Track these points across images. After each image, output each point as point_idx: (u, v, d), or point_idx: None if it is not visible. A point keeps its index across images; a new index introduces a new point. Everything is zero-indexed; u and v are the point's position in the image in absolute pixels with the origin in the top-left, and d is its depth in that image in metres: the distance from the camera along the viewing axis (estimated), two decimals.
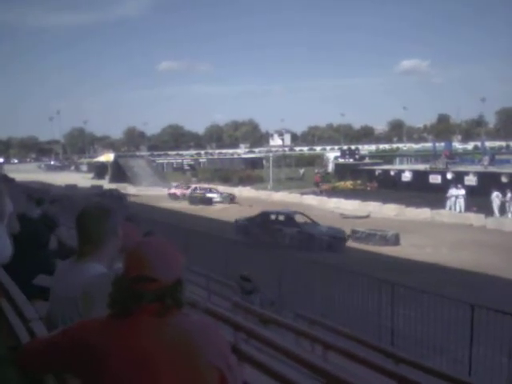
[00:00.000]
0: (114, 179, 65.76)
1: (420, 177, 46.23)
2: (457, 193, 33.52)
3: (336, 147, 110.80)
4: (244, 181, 58.50)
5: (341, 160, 68.49)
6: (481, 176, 40.21)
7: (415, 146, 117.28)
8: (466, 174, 41.41)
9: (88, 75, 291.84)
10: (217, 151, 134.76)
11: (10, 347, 1.92)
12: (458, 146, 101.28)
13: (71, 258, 2.56)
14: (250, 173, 66.96)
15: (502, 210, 30.70)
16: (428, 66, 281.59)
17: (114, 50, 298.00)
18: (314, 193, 46.41)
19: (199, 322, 1.72)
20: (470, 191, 34.82)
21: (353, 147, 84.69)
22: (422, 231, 27.27)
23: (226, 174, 64.38)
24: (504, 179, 37.25)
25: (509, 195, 30.44)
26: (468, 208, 32.40)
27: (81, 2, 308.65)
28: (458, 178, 39.58)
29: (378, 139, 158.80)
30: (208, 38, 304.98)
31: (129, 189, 57.64)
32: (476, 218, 30.28)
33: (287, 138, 70.65)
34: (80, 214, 2.51)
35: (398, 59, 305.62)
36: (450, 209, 33.35)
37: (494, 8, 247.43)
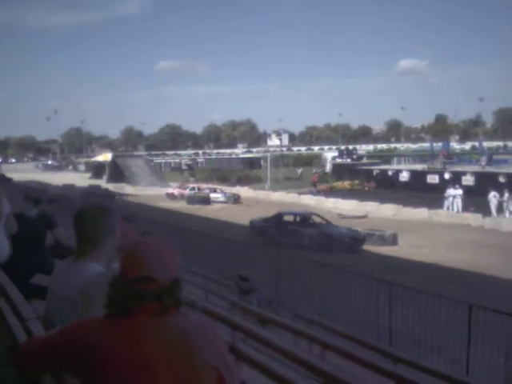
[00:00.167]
0: (111, 179, 65.72)
1: (418, 177, 46.27)
2: (454, 193, 33.56)
3: (334, 147, 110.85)
4: (242, 181, 58.51)
5: (338, 160, 68.50)
6: (478, 176, 40.25)
7: (413, 146, 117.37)
8: (464, 173, 41.44)
9: (86, 75, 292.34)
10: (215, 151, 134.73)
11: (8, 347, 1.91)
12: (455, 146, 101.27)
13: (69, 257, 2.56)
14: (247, 173, 67.03)
15: (500, 209, 30.74)
16: (426, 66, 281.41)
17: (111, 50, 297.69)
18: (312, 193, 46.46)
19: (197, 322, 1.73)
20: (468, 191, 34.85)
21: (350, 147, 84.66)
22: (419, 231, 27.31)
23: (224, 173, 64.36)
24: (501, 179, 37.30)
25: (506, 195, 30.48)
26: (465, 208, 32.45)
27: (79, 1, 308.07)
28: (456, 178, 39.62)
29: (375, 139, 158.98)
30: (206, 38, 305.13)
31: (126, 188, 57.66)
32: (473, 218, 30.33)
33: (285, 138, 70.84)
34: (78, 214, 2.51)
35: (396, 59, 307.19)
36: (448, 209, 33.39)
37: (492, 8, 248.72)
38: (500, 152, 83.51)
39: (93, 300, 2.13)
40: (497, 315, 8.52)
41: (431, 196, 35.98)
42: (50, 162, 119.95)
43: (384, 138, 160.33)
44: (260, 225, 25.96)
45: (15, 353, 1.86)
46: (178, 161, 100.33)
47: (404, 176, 47.73)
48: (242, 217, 32.64)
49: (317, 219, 25.88)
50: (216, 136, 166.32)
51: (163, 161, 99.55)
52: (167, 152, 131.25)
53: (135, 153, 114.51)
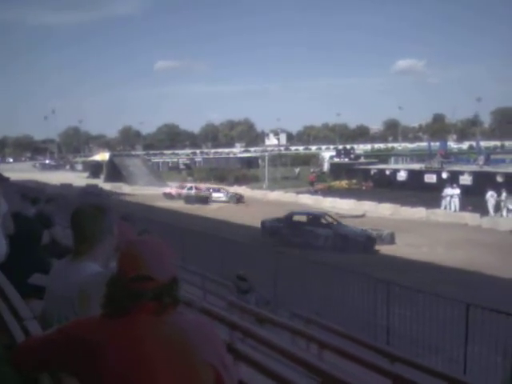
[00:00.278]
0: (109, 178, 65.60)
1: (415, 176, 46.34)
2: (452, 192, 33.62)
3: (331, 147, 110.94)
4: (239, 180, 58.50)
5: (336, 159, 68.60)
6: (476, 175, 40.31)
7: (410, 146, 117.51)
8: (461, 173, 41.51)
9: (84, 74, 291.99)
10: (212, 150, 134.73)
11: (5, 346, 1.91)
12: (453, 145, 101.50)
13: (67, 257, 2.56)
14: (245, 172, 67.02)
15: (497, 209, 30.80)
16: (424, 65, 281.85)
17: (110, 50, 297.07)
18: (310, 192, 46.46)
19: (195, 321, 1.73)
20: (465, 191, 34.91)
21: (348, 147, 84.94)
22: (417, 230, 27.33)
23: (222, 173, 64.35)
24: (499, 179, 37.36)
25: (504, 195, 30.53)
26: (463, 207, 32.51)
27: (77, 1, 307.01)
28: (453, 178, 39.67)
29: (373, 139, 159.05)
30: (204, 37, 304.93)
31: (124, 188, 57.57)
32: (471, 218, 30.37)
33: (283, 138, 71.19)
34: (75, 213, 2.51)
35: (394, 59, 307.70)
36: (445, 208, 33.44)
37: (491, 8, 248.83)
38: (497, 152, 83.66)
39: (90, 299, 2.13)
40: (494, 314, 8.53)
41: (429, 195, 36.02)
42: (47, 162, 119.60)
43: (382, 137, 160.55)
44: (272, 225, 25.73)
45: (13, 352, 1.86)
46: (175, 160, 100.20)
47: (401, 175, 47.81)
48: (240, 216, 32.73)
49: (329, 219, 25.75)
50: (214, 135, 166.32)
51: (161, 160, 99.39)
52: (165, 151, 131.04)
53: (133, 152, 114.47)
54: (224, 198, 44.35)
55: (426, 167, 47.62)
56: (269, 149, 76.22)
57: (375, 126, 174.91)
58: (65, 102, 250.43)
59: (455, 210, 32.81)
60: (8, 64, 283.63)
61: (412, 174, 47.26)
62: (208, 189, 47.64)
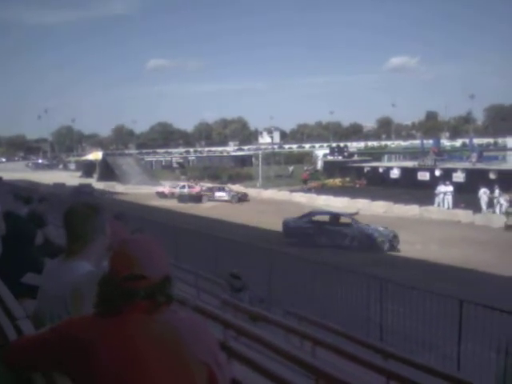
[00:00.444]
0: (102, 177, 65.56)
1: (408, 174, 46.50)
2: (445, 189, 33.73)
3: (325, 145, 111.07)
4: (233, 179, 58.57)
5: (330, 157, 68.68)
6: (469, 173, 40.47)
7: (403, 143, 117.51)
8: (454, 170, 41.67)
9: (76, 73, 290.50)
10: (206, 149, 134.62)
11: None
12: (446, 143, 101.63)
13: (60, 256, 2.55)
14: (239, 170, 67.13)
15: (490, 206, 30.92)
16: (417, 63, 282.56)
17: (103, 49, 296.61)
18: (303, 190, 46.54)
19: (188, 320, 1.73)
20: (458, 188, 35.04)
21: (341, 145, 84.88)
22: (410, 228, 27.38)
23: (216, 171, 64.43)
24: (492, 176, 37.53)
25: (496, 192, 30.65)
26: (456, 204, 32.63)
27: (69, 1, 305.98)
28: (446, 175, 39.84)
29: (366, 136, 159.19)
30: (196, 36, 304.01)
31: (117, 187, 57.47)
32: (464, 215, 30.49)
33: (276, 136, 71.19)
34: (67, 213, 2.50)
35: (387, 56, 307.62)
36: (439, 205, 33.56)
37: (484, 4, 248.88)
38: (490, 149, 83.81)
39: (83, 298, 2.12)
40: (488, 311, 8.56)
41: (422, 193, 36.15)
42: (40, 161, 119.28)
43: (375, 135, 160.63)
44: (294, 225, 25.23)
45: (5, 351, 1.86)
46: (169, 159, 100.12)
47: (395, 173, 47.96)
48: (233, 215, 32.76)
49: (348, 219, 25.26)
50: (207, 134, 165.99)
51: (154, 159, 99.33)
52: (158, 150, 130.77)
53: (126, 151, 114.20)
54: (226, 197, 43.98)
55: (419, 165, 47.78)
56: (262, 147, 76.29)
57: (368, 124, 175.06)
58: (58, 101, 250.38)
59: (448, 208, 32.93)
60: (0, 63, 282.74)
61: (405, 171, 47.41)
62: (211, 188, 47.44)
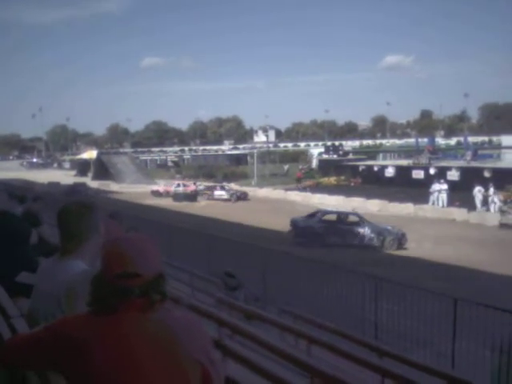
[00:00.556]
0: (96, 176, 65.49)
1: (403, 172, 46.58)
2: (440, 188, 33.79)
3: (320, 143, 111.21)
4: (228, 177, 58.59)
5: (325, 156, 68.84)
6: (463, 171, 40.55)
7: (398, 142, 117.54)
8: (449, 169, 41.74)
9: (71, 72, 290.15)
10: (201, 148, 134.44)
11: None
12: (440, 141, 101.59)
13: (54, 255, 2.55)
14: (234, 169, 67.15)
15: (485, 204, 30.99)
16: (411, 61, 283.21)
17: (97, 47, 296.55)
18: (298, 189, 46.58)
19: (182, 318, 1.74)
20: (453, 186, 35.10)
21: (336, 143, 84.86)
22: (405, 226, 27.33)
23: (211, 170, 64.41)
24: (486, 174, 37.60)
25: (491, 190, 30.72)
26: (451, 203, 32.70)
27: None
28: (441, 173, 39.92)
29: (361, 135, 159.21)
30: (192, 34, 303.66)
31: (112, 186, 57.40)
32: (459, 213, 30.57)
33: (271, 135, 71.16)
34: (61, 211, 2.50)
35: (382, 55, 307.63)
36: (433, 204, 33.63)
37: (479, 3, 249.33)
38: (485, 147, 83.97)
39: (77, 297, 2.12)
40: (482, 309, 8.58)
41: (417, 191, 36.26)
42: (35, 160, 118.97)
43: (370, 133, 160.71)
44: (304, 224, 24.89)
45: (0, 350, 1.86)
46: (163, 158, 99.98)
47: (389, 171, 48.04)
48: (226, 213, 32.79)
49: (357, 218, 25.12)
50: (202, 133, 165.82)
51: (149, 158, 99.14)
52: (153, 149, 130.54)
53: (121, 150, 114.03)
54: (226, 196, 43.78)
55: (414, 163, 47.86)
56: (257, 146, 76.27)
57: (363, 123, 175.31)
58: (52, 100, 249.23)
59: (443, 206, 33.01)
60: None
61: (400, 170, 47.50)
62: (211, 186, 47.31)
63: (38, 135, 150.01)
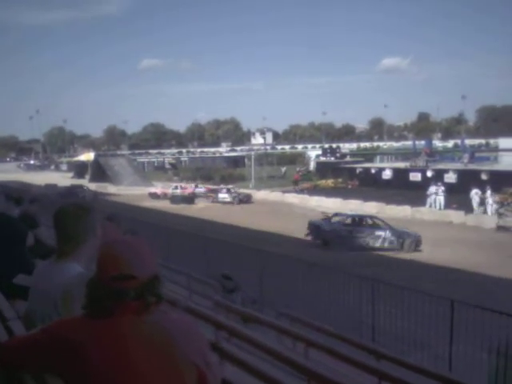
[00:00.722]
0: (94, 178, 65.42)
1: (400, 175, 46.68)
2: (437, 190, 33.84)
3: (317, 145, 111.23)
4: (226, 179, 58.55)
5: (322, 158, 68.92)
6: (460, 173, 40.66)
7: (396, 144, 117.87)
8: (446, 171, 41.85)
9: (68, 74, 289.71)
10: (198, 150, 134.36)
11: None
12: (438, 143, 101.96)
13: (51, 257, 2.55)
14: (231, 171, 67.22)
15: (482, 206, 31.05)
16: (409, 63, 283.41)
17: (95, 49, 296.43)
18: (296, 191, 46.62)
19: (178, 320, 1.73)
20: (450, 188, 35.18)
21: (334, 145, 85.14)
22: None
23: (208, 172, 64.44)
24: (483, 176, 37.70)
25: (488, 192, 30.77)
26: (448, 205, 32.74)
27: (60, 1, 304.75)
28: (438, 176, 39.99)
29: (358, 137, 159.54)
30: (190, 36, 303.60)
31: (109, 188, 57.36)
32: (456, 215, 30.62)
33: (269, 137, 71.05)
34: (57, 213, 2.49)
35: (380, 58, 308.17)
36: (430, 206, 33.68)
37: (476, 5, 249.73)
38: (482, 150, 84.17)
39: (74, 300, 2.12)
40: (479, 311, 8.59)
41: (414, 194, 36.30)
42: (32, 162, 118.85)
43: (367, 136, 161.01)
44: (326, 227, 24.64)
45: None
46: (161, 160, 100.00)
47: (387, 174, 48.13)
48: (222, 216, 32.82)
49: (374, 221, 25.19)
50: (200, 135, 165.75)
51: (146, 160, 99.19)
52: (150, 151, 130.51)
53: (118, 152, 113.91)
54: (229, 199, 43.49)
55: (411, 166, 47.99)
56: (255, 148, 76.11)
57: (361, 125, 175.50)
58: (49, 102, 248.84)
59: (440, 208, 33.05)
60: None
61: (397, 172, 47.60)
62: (216, 189, 47.22)
63: (35, 137, 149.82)
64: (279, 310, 11.26)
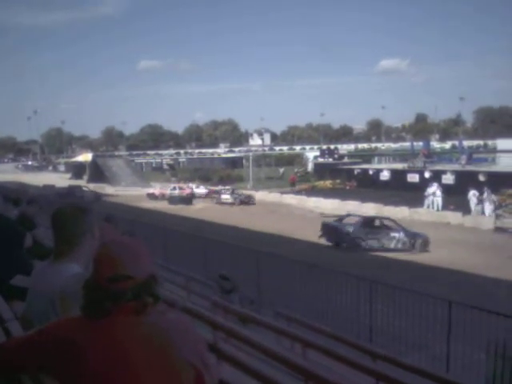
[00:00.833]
0: (92, 179, 65.34)
1: (398, 176, 46.69)
2: (434, 191, 33.84)
3: (315, 147, 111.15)
4: (224, 180, 58.57)
5: (320, 159, 68.92)
6: (458, 175, 40.67)
7: (393, 146, 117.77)
8: (444, 172, 41.86)
9: (66, 75, 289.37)
10: (196, 151, 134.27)
11: None
12: (435, 145, 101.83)
13: (49, 258, 2.55)
14: (229, 172, 67.19)
15: (479, 207, 31.06)
16: (407, 65, 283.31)
17: (92, 50, 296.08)
18: (294, 192, 46.61)
19: (175, 320, 1.74)
20: (448, 190, 35.19)
21: (332, 147, 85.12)
22: None
23: (206, 173, 64.41)
24: (481, 178, 37.71)
25: (486, 193, 30.79)
26: (445, 206, 32.75)
27: (58, 1, 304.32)
28: (436, 177, 40.00)
29: (356, 139, 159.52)
30: (187, 37, 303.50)
31: (107, 189, 57.30)
32: (453, 216, 30.64)
33: (267, 138, 71.20)
34: (55, 214, 2.50)
35: (378, 59, 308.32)
36: (428, 207, 33.67)
37: (473, 7, 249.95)
38: (480, 151, 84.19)
39: (71, 301, 2.12)
40: (476, 312, 8.60)
41: (412, 195, 36.32)
42: (30, 163, 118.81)
43: (365, 137, 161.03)
44: (342, 228, 24.38)
45: None
46: (159, 161, 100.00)
47: (385, 175, 48.13)
48: (220, 217, 32.79)
49: (384, 221, 25.06)
50: (198, 136, 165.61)
51: (144, 161, 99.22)
52: (148, 152, 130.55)
53: (116, 153, 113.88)
54: (230, 200, 43.25)
55: (409, 167, 48.02)
56: (253, 149, 76.48)
57: (359, 126, 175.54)
58: (47, 103, 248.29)
59: (438, 209, 33.05)
60: None
61: (395, 173, 47.60)
62: (219, 190, 47.13)
63: (33, 138, 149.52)
64: (277, 310, 11.27)
